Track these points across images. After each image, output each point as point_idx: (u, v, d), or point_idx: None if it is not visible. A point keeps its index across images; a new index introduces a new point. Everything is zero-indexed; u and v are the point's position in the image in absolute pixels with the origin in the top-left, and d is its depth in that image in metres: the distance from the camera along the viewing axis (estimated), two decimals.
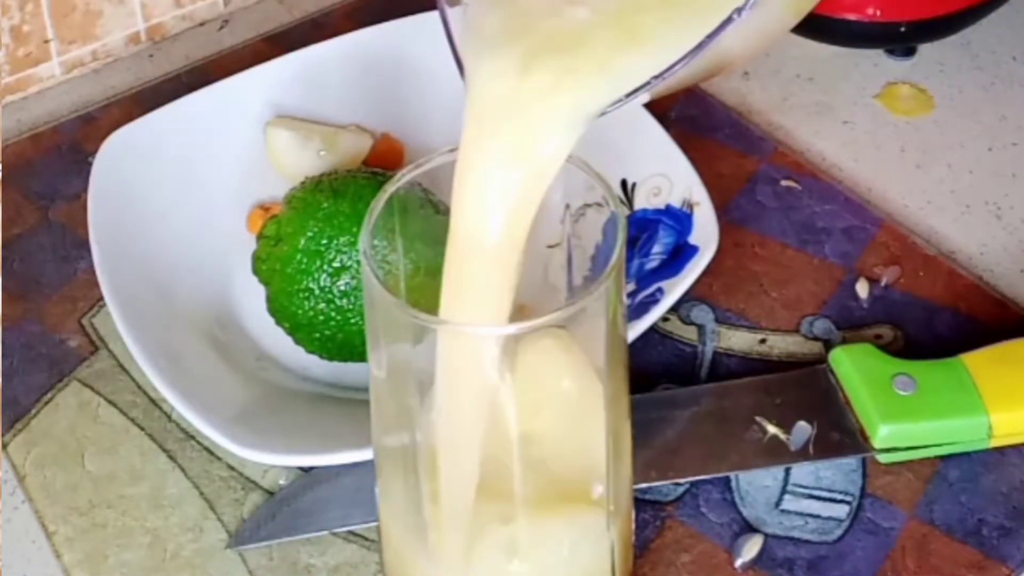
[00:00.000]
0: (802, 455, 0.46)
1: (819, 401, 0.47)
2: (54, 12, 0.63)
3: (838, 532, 0.45)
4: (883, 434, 0.45)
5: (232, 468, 0.48)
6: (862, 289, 0.53)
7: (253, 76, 0.58)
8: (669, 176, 0.53)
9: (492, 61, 0.35)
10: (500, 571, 0.38)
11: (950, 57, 0.64)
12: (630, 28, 0.34)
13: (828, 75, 0.64)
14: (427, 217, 0.38)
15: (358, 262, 0.47)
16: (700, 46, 0.34)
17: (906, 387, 0.46)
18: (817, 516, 0.45)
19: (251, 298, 0.51)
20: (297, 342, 0.49)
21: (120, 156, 0.54)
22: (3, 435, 0.49)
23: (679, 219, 0.51)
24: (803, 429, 0.47)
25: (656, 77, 0.34)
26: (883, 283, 0.53)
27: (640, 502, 0.45)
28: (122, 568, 0.45)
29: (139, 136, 0.55)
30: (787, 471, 0.47)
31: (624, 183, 0.54)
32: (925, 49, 0.64)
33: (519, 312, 0.38)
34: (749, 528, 0.45)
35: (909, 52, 0.64)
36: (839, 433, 0.46)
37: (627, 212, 0.53)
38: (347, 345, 0.49)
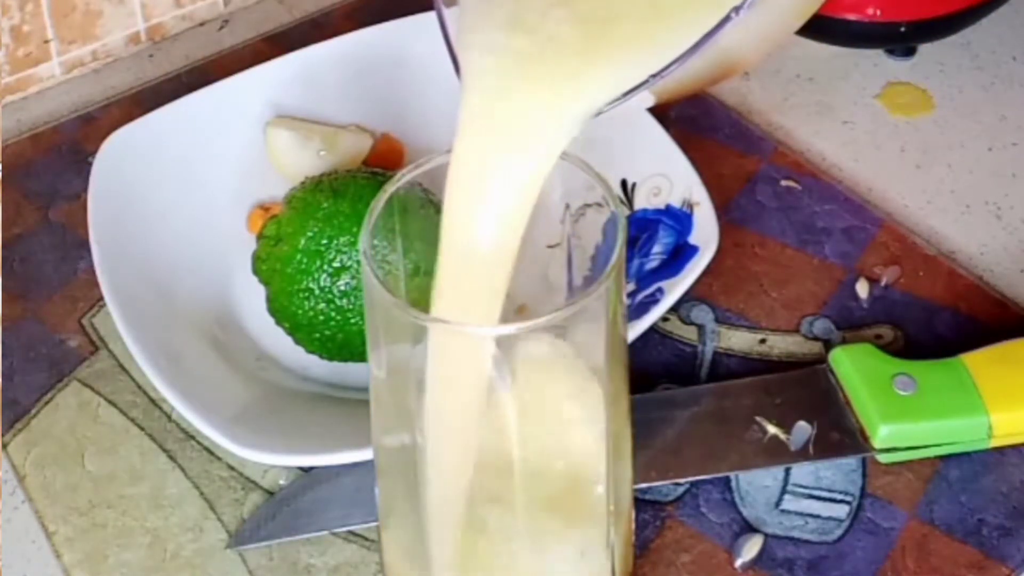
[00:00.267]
0: (802, 455, 0.46)
1: (819, 401, 0.47)
2: (54, 12, 0.63)
3: (838, 532, 0.45)
4: (883, 434, 0.45)
5: (232, 468, 0.48)
6: (862, 289, 0.53)
7: (253, 76, 0.58)
8: (669, 176, 0.53)
9: (487, 60, 0.35)
10: (500, 571, 0.38)
11: (950, 57, 0.64)
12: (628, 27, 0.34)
13: (828, 75, 0.64)
14: (427, 217, 0.38)
15: (358, 262, 0.47)
16: (698, 45, 0.34)
17: (906, 387, 0.46)
18: (817, 516, 0.45)
19: (251, 298, 0.51)
20: (297, 342, 0.49)
21: (120, 156, 0.54)
22: (3, 435, 0.49)
23: (679, 219, 0.51)
24: (803, 429, 0.47)
25: (654, 76, 0.34)
26: (883, 283, 0.53)
27: (640, 502, 0.45)
28: (122, 568, 0.45)
29: (139, 136, 0.55)
30: (787, 471, 0.47)
31: (624, 183, 0.54)
32: (925, 49, 0.64)
33: (519, 312, 0.38)
34: (749, 528, 0.45)
35: (909, 52, 0.64)
36: (839, 433, 0.46)
37: (627, 212, 0.53)
38: (347, 345, 0.49)
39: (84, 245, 0.52)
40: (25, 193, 0.59)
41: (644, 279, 0.50)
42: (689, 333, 0.52)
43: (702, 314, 0.52)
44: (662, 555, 0.44)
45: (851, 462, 0.47)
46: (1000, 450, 0.47)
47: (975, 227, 0.56)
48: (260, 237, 0.50)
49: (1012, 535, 0.45)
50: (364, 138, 0.57)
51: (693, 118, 0.61)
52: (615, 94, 0.34)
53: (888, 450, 0.46)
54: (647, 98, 0.38)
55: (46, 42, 0.63)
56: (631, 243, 0.52)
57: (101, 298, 0.50)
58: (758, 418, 0.47)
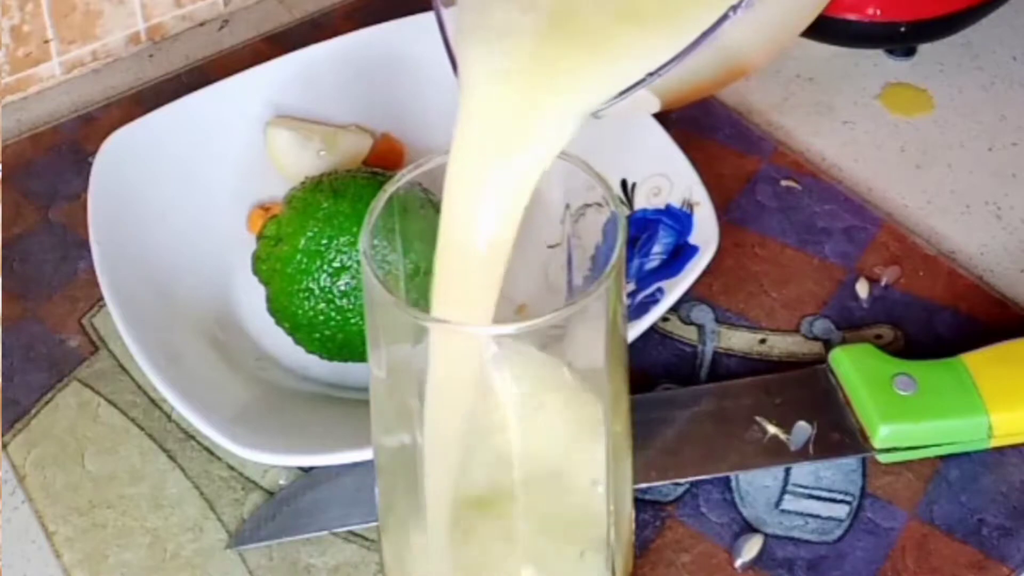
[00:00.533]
0: (802, 455, 0.46)
1: (819, 401, 0.47)
2: (54, 12, 0.63)
3: (838, 532, 0.45)
4: (883, 434, 0.45)
5: (232, 468, 0.48)
6: (862, 289, 0.53)
7: (253, 76, 0.58)
8: (669, 176, 0.53)
9: (485, 59, 0.35)
10: (500, 571, 0.38)
11: (950, 57, 0.64)
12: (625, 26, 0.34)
13: (828, 75, 0.64)
14: (427, 217, 0.38)
15: (358, 262, 0.47)
16: (696, 43, 0.34)
17: (906, 387, 0.46)
18: (817, 516, 0.45)
19: (251, 298, 0.51)
20: (297, 342, 0.49)
21: (120, 156, 0.54)
22: (3, 435, 0.49)
23: (679, 219, 0.51)
24: (803, 429, 0.47)
25: (651, 74, 0.34)
26: (883, 283, 0.53)
27: (640, 502, 0.45)
28: (122, 568, 0.45)
29: (139, 136, 0.55)
30: (787, 471, 0.47)
31: (624, 183, 0.54)
32: (925, 49, 0.64)
33: (519, 312, 0.38)
34: (749, 528, 0.45)
35: (909, 52, 0.64)
36: (839, 433, 0.46)
37: (627, 212, 0.53)
38: (347, 345, 0.49)
39: (84, 245, 0.52)
40: (25, 193, 0.59)
41: (644, 279, 0.50)
42: (689, 333, 0.52)
43: (702, 314, 0.52)
44: (662, 555, 0.44)
45: (851, 462, 0.47)
46: (1000, 450, 0.47)
47: (975, 227, 0.56)
48: (260, 237, 0.50)
49: (1012, 535, 0.45)
50: (364, 138, 0.57)
51: (693, 118, 0.61)
52: (612, 92, 0.34)
53: (888, 450, 0.46)
54: (653, 103, 0.38)
55: (46, 42, 0.63)
56: (631, 243, 0.52)
57: (101, 298, 0.50)
58: (758, 418, 0.47)
